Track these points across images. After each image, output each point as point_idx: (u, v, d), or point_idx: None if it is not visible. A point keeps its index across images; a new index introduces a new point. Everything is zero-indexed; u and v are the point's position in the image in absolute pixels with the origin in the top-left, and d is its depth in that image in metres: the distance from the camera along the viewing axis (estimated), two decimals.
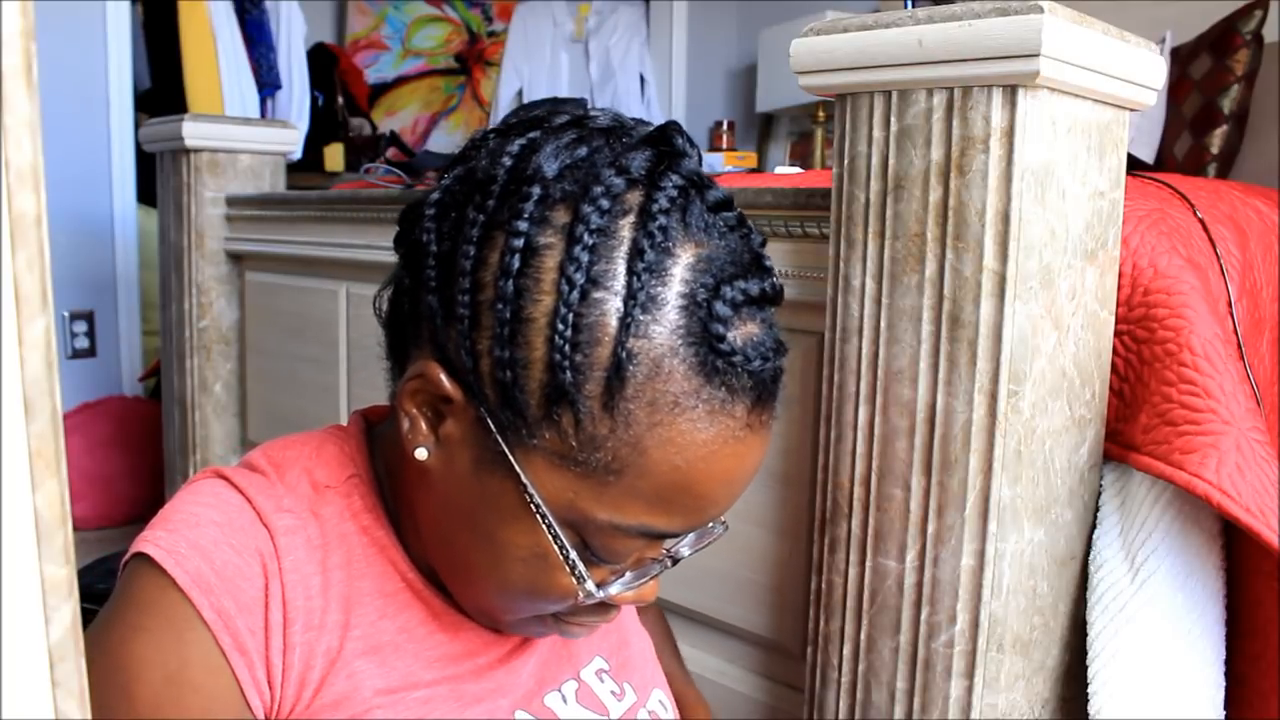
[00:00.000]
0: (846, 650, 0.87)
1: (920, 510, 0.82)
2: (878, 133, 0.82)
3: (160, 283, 1.99)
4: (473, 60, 4.06)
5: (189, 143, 1.80)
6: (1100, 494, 0.90)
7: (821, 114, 3.26)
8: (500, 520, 0.55)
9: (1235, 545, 0.90)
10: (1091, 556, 0.88)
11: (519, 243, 0.51)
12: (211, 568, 0.55)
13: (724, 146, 3.19)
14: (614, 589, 0.57)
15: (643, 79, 3.84)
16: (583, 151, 0.54)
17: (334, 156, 3.48)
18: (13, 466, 0.24)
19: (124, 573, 0.58)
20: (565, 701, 0.67)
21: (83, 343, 2.67)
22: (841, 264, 0.86)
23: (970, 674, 0.80)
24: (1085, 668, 0.85)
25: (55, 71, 2.53)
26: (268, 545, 0.57)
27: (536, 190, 0.52)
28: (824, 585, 0.89)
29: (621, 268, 0.51)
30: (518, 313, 0.51)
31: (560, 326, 0.50)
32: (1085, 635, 0.86)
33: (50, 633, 0.25)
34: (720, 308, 0.51)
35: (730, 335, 0.51)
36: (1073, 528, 0.87)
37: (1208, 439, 0.80)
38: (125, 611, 0.55)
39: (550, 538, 0.54)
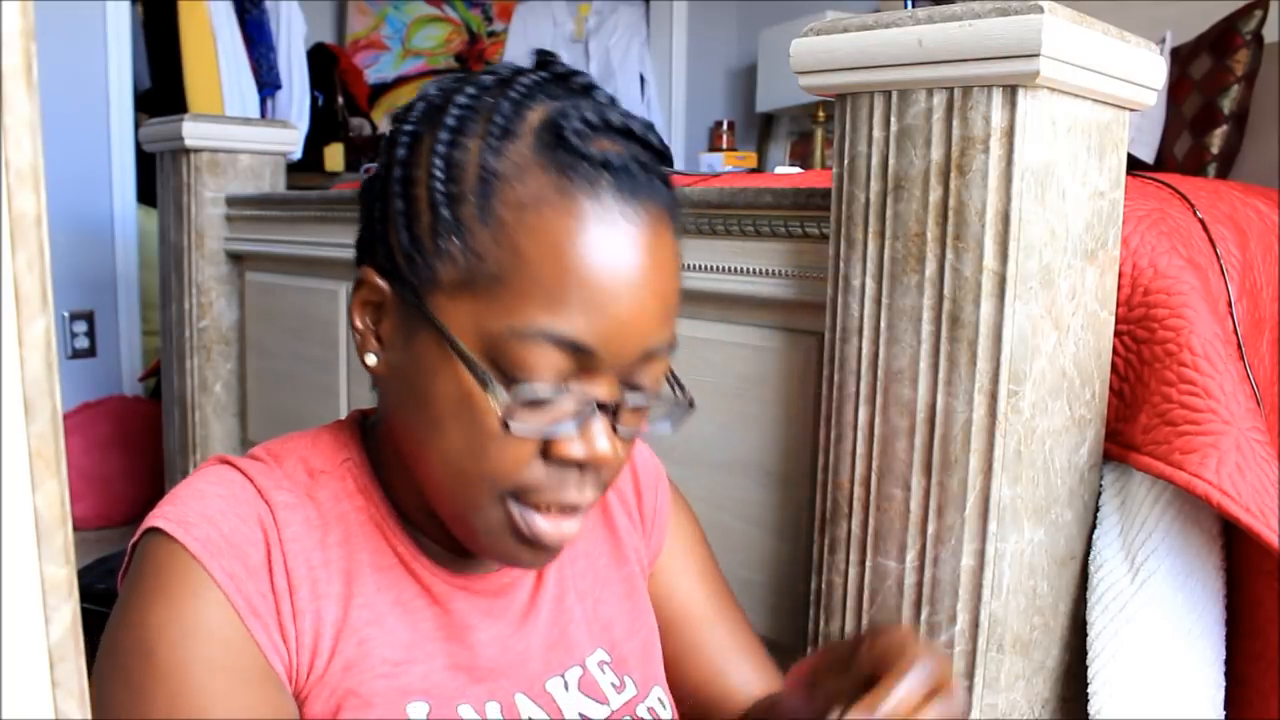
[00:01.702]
0: None
1: (920, 510, 0.82)
2: (878, 133, 0.82)
3: (160, 283, 1.99)
4: (473, 60, 4.06)
5: (189, 143, 1.80)
6: (1100, 494, 0.90)
7: (821, 114, 3.26)
8: (431, 379, 0.58)
9: (1235, 545, 0.90)
10: (1091, 556, 0.88)
11: (405, 138, 0.60)
12: (220, 534, 0.58)
13: (724, 146, 3.19)
14: (555, 431, 0.57)
15: (643, 79, 3.84)
16: (462, 78, 0.62)
17: (334, 156, 3.48)
18: (13, 466, 0.24)
19: (136, 551, 0.60)
20: (567, 689, 0.68)
21: (83, 343, 2.67)
22: (841, 264, 0.86)
23: (970, 674, 0.80)
24: (1085, 668, 0.85)
25: (55, 71, 2.53)
26: (268, 516, 0.60)
27: (421, 105, 0.61)
28: (824, 585, 0.89)
29: (483, 122, 0.58)
30: (406, 184, 0.59)
31: (433, 170, 0.57)
32: (1085, 635, 0.86)
33: (50, 633, 0.25)
34: (573, 122, 0.56)
35: (587, 145, 0.56)
36: (1073, 528, 0.87)
37: (1208, 439, 0.80)
38: (141, 582, 0.58)
39: (463, 364, 0.57)
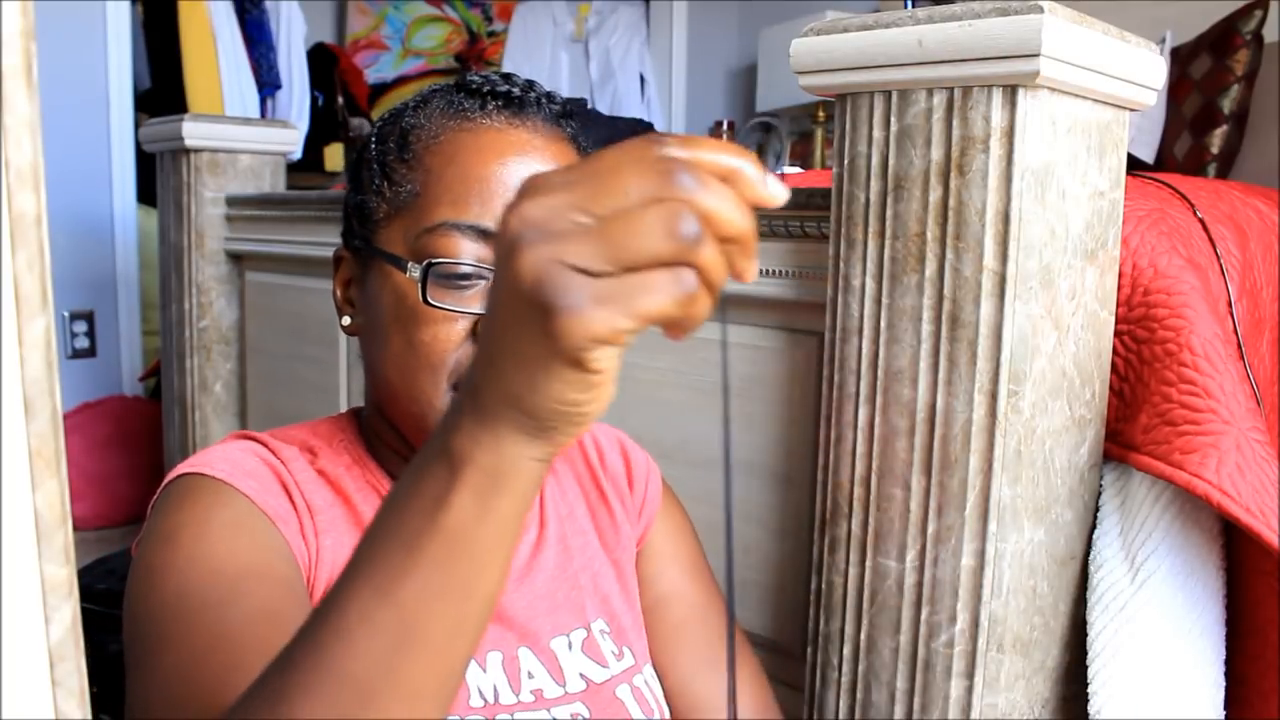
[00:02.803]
0: (846, 650, 0.87)
1: (920, 510, 0.82)
2: (878, 133, 0.82)
3: (160, 283, 1.99)
4: (473, 60, 4.06)
5: (189, 143, 1.80)
6: (1100, 494, 0.90)
7: (821, 114, 3.26)
8: (377, 300, 0.67)
9: (1235, 545, 0.90)
10: (1091, 556, 0.88)
11: (370, 138, 0.72)
12: (242, 468, 0.64)
13: None
14: (474, 307, 0.63)
15: (643, 79, 3.84)
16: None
17: (334, 156, 3.48)
18: (13, 466, 0.24)
19: (157, 499, 0.65)
20: (570, 648, 0.71)
21: (83, 343, 2.67)
22: (841, 264, 0.86)
23: (970, 674, 0.80)
24: (1085, 668, 0.85)
25: (55, 71, 2.53)
26: (278, 463, 0.67)
27: (387, 113, 0.72)
28: (824, 585, 0.89)
29: (413, 101, 0.70)
30: (356, 165, 0.72)
31: (370, 144, 0.70)
32: (1085, 635, 0.86)
33: (50, 633, 0.25)
34: (470, 76, 0.69)
35: (482, 84, 0.68)
36: (1073, 528, 0.87)
37: (1208, 439, 0.80)
38: (167, 504, 0.63)
39: (390, 263, 0.65)
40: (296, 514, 0.64)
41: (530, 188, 0.37)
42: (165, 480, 0.66)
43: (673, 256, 0.35)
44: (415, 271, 0.63)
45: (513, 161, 0.65)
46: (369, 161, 0.70)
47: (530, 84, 0.70)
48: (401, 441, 0.70)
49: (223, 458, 0.65)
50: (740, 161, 0.37)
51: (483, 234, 0.64)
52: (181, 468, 0.65)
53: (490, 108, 0.67)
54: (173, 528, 0.60)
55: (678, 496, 0.86)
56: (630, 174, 0.36)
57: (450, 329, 0.63)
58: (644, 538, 0.82)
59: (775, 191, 0.38)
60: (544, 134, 0.67)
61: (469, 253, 0.64)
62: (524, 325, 0.37)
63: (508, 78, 0.69)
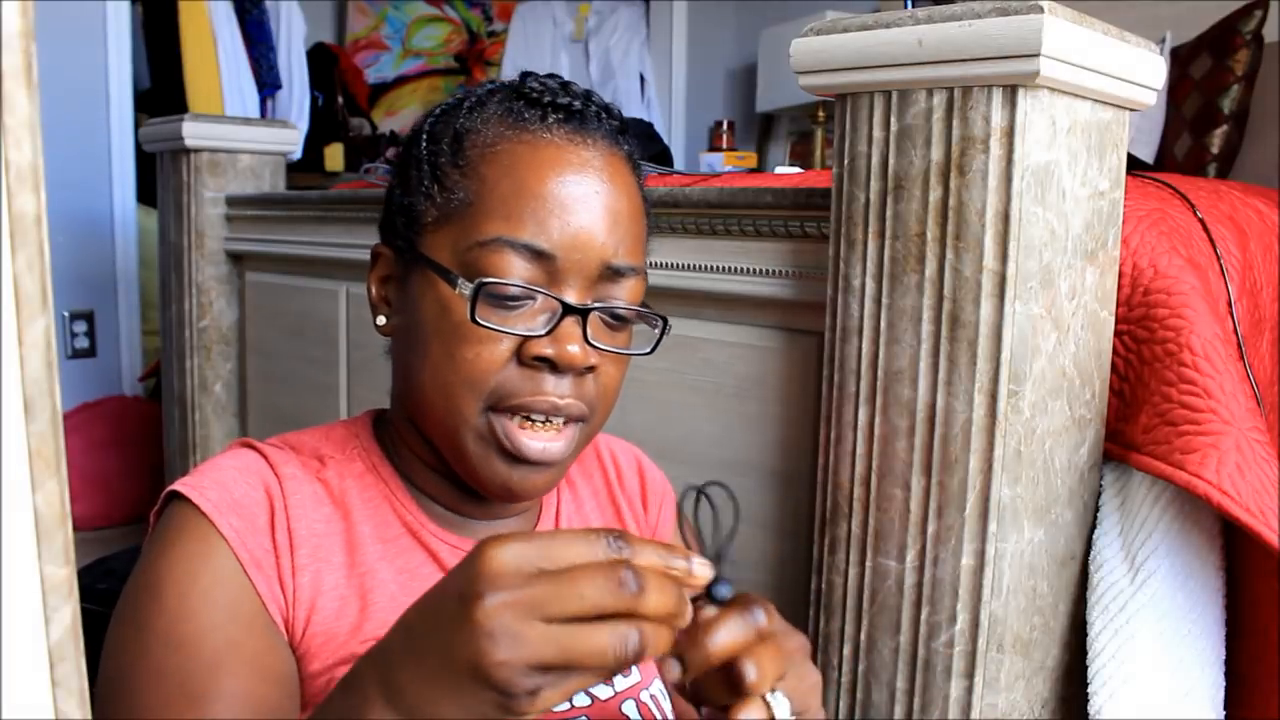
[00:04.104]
0: (846, 650, 0.87)
1: (920, 510, 0.82)
2: (878, 133, 0.82)
3: (160, 283, 1.99)
4: (473, 60, 4.06)
5: (189, 143, 1.80)
6: (1100, 494, 0.90)
7: (821, 114, 3.26)
8: (419, 307, 0.66)
9: (1235, 545, 0.90)
10: (1091, 556, 0.88)
11: (410, 134, 0.70)
12: (230, 497, 0.63)
13: (724, 146, 3.18)
14: (522, 329, 0.62)
15: (643, 79, 3.84)
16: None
17: (334, 156, 3.48)
18: (13, 466, 0.24)
19: (158, 517, 0.66)
20: None
21: (83, 343, 2.67)
22: (841, 264, 0.86)
23: (970, 674, 0.80)
24: (1085, 668, 0.85)
25: (55, 71, 2.53)
26: (275, 484, 0.66)
27: (438, 109, 0.70)
28: (824, 585, 0.89)
29: (464, 100, 0.69)
30: (404, 162, 0.70)
31: (421, 141, 0.68)
32: (1085, 635, 0.86)
33: (50, 633, 0.25)
34: (530, 83, 0.67)
35: (541, 93, 0.66)
36: (1073, 528, 0.87)
37: (1208, 439, 0.80)
38: (156, 538, 0.64)
39: (438, 274, 0.64)
40: (275, 554, 0.63)
41: (493, 575, 0.42)
42: (165, 491, 0.66)
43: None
44: (465, 289, 0.62)
45: (571, 179, 0.64)
46: (418, 160, 0.68)
47: (589, 96, 0.68)
48: (428, 449, 0.69)
49: (215, 482, 0.64)
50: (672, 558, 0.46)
51: (536, 253, 0.62)
52: (180, 484, 0.64)
53: (551, 120, 0.65)
54: (159, 579, 0.61)
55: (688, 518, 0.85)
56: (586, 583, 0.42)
57: (494, 349, 0.62)
58: None
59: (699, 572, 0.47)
60: (603, 151, 0.66)
61: (520, 271, 0.62)
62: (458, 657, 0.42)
63: (566, 87, 0.67)
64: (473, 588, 0.42)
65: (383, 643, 0.47)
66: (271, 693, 0.59)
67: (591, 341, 0.63)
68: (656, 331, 0.69)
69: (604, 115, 0.68)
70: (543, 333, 0.62)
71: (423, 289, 0.65)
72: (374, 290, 0.71)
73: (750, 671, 0.48)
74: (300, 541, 0.64)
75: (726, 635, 0.48)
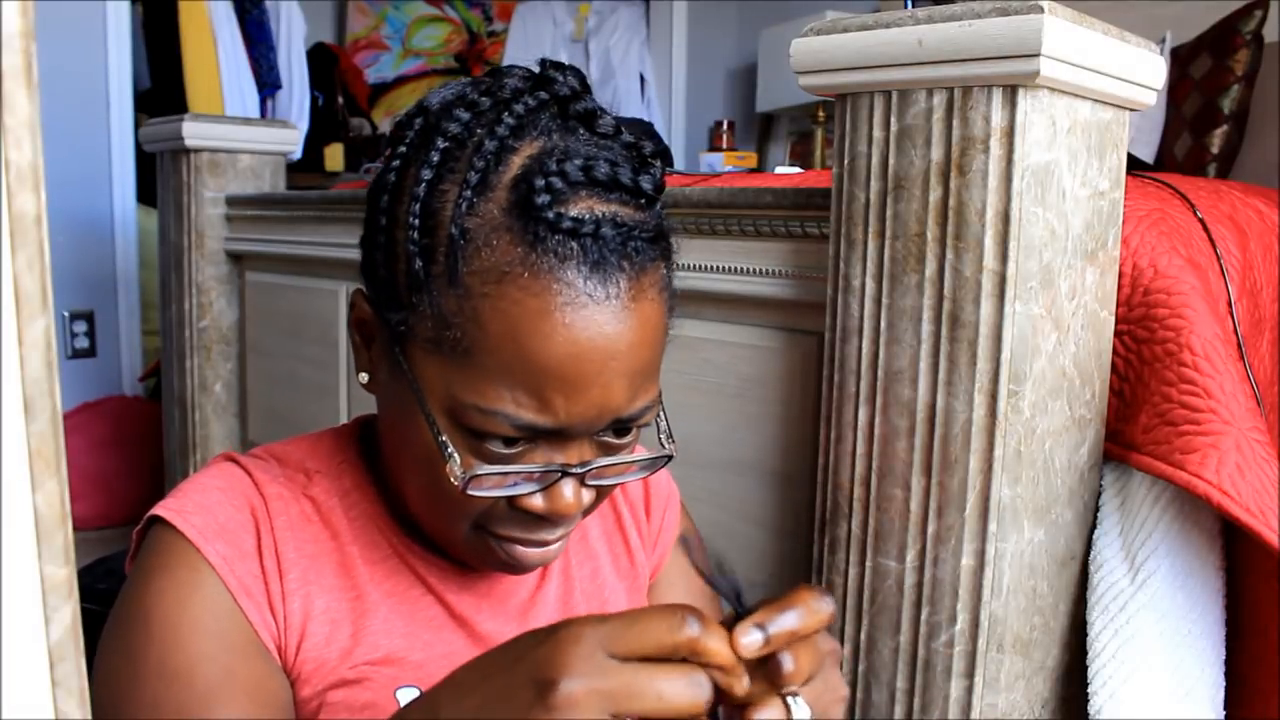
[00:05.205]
0: (846, 650, 0.87)
1: (920, 510, 0.82)
2: (878, 133, 0.82)
3: (160, 283, 1.99)
4: (473, 60, 4.06)
5: (189, 143, 1.80)
6: (1100, 494, 0.90)
7: (821, 114, 3.26)
8: (408, 422, 0.59)
9: (1235, 545, 0.90)
10: (1091, 556, 0.88)
11: (396, 163, 0.59)
12: (215, 521, 0.61)
13: (724, 146, 3.18)
14: (516, 490, 0.57)
15: (643, 79, 3.84)
16: (466, 88, 0.59)
17: (334, 156, 3.48)
18: (13, 466, 0.24)
19: (142, 541, 0.63)
20: None
21: (83, 343, 2.67)
22: (841, 264, 0.86)
23: (970, 674, 0.80)
24: (1085, 668, 0.85)
25: (55, 71, 2.53)
26: (261, 506, 0.63)
27: (419, 121, 0.59)
28: (824, 585, 0.89)
29: (466, 163, 0.55)
30: (390, 224, 0.58)
31: (410, 217, 0.56)
32: (1085, 635, 0.86)
33: (50, 633, 0.25)
34: (552, 181, 0.53)
35: (558, 207, 0.53)
36: (1073, 528, 0.87)
37: (1208, 439, 0.80)
38: (142, 565, 0.61)
39: (425, 420, 0.57)
40: (264, 579, 0.60)
41: (571, 662, 0.42)
42: (147, 515, 0.63)
43: None
44: (456, 471, 0.55)
45: (585, 346, 0.54)
46: (401, 232, 0.56)
47: (631, 187, 0.55)
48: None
49: (199, 505, 0.61)
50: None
51: (540, 428, 0.55)
52: (162, 508, 0.61)
53: (567, 257, 0.53)
54: (146, 609, 0.59)
55: (691, 518, 0.84)
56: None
57: (488, 500, 0.58)
58: (659, 568, 0.80)
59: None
60: (629, 293, 0.55)
61: (519, 432, 0.55)
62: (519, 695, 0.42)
63: (595, 173, 0.54)
64: (549, 674, 0.41)
65: (430, 702, 0.46)
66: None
67: (589, 483, 0.59)
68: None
69: (642, 206, 0.56)
70: (537, 489, 0.58)
71: (411, 404, 0.58)
72: (355, 335, 0.64)
73: (788, 663, 0.45)
74: (289, 565, 0.61)
75: (788, 621, 0.45)
